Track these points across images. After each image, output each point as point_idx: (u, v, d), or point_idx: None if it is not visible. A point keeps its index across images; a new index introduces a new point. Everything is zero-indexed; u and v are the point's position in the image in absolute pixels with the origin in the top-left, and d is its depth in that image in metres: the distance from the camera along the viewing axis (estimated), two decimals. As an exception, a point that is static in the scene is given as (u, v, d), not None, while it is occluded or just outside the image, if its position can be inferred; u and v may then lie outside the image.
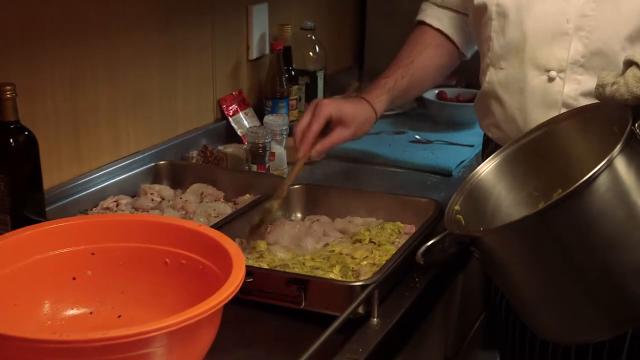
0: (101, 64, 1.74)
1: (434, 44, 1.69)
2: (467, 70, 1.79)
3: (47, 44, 1.59)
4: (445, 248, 1.42)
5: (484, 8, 1.50)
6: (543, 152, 1.31)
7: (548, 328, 1.21)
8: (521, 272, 1.18)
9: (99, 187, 1.73)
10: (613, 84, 1.17)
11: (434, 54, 1.70)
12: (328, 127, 1.57)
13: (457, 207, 1.28)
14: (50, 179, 1.61)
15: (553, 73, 1.43)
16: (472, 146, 2.13)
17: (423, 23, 1.71)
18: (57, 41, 1.61)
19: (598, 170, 1.07)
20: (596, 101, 1.25)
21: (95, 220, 1.28)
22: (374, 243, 1.52)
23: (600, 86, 1.19)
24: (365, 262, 1.43)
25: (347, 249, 1.49)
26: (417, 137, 2.24)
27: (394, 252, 1.42)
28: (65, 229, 1.19)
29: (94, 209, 1.68)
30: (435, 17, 1.70)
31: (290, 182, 1.58)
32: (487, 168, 1.33)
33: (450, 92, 2.48)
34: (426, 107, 2.42)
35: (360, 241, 1.53)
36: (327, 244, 1.53)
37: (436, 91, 2.46)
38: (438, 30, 1.69)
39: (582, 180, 1.06)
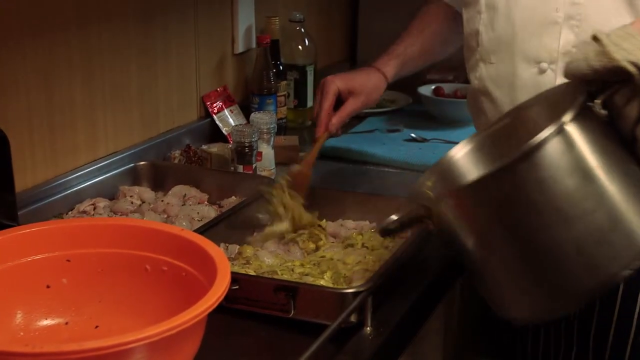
0: (77, 57, 1.73)
1: (443, 17, 1.78)
2: (464, 65, 1.79)
3: (19, 34, 1.58)
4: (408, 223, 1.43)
5: (473, 1, 1.53)
6: (514, 137, 1.33)
7: (506, 305, 1.23)
8: (478, 242, 1.20)
9: (75, 189, 1.72)
10: (576, 60, 1.20)
11: (443, 25, 1.79)
12: (341, 102, 1.68)
13: (428, 184, 1.32)
14: (22, 181, 1.61)
15: (544, 65, 1.45)
16: (470, 144, 2.13)
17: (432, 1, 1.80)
18: (29, 31, 1.60)
19: (546, 133, 1.11)
20: None
21: (70, 224, 1.27)
22: (367, 247, 1.52)
23: (567, 63, 1.22)
24: (357, 268, 1.43)
25: (339, 254, 1.49)
26: (413, 135, 2.24)
27: (388, 257, 1.42)
28: (39, 234, 1.18)
29: (69, 212, 1.67)
30: None
31: (312, 159, 1.68)
32: (459, 152, 1.37)
33: (447, 87, 2.48)
34: (422, 103, 2.43)
35: (352, 245, 1.53)
36: (316, 250, 1.53)
37: (432, 87, 2.47)
38: (447, 4, 1.77)
39: (531, 142, 1.10)
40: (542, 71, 1.45)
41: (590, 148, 1.14)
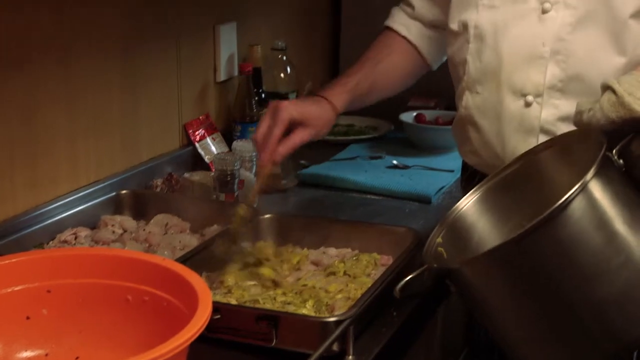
0: (58, 86, 1.73)
1: (400, 50, 1.74)
2: (446, 92, 1.81)
3: (0, 64, 1.58)
4: (424, 282, 1.43)
5: (461, 31, 1.53)
6: (525, 184, 1.33)
7: None
8: (501, 305, 1.19)
9: (55, 218, 1.71)
10: (589, 110, 1.20)
11: (399, 60, 1.74)
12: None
13: (439, 240, 1.29)
14: (2, 211, 1.60)
15: (530, 98, 1.45)
16: (452, 171, 2.14)
17: (391, 29, 1.76)
18: (10, 60, 1.60)
19: (572, 194, 1.09)
20: (574, 128, 1.28)
21: (51, 255, 1.26)
22: (349, 275, 1.52)
23: (579, 113, 1.23)
24: (339, 296, 1.43)
25: (321, 282, 1.49)
26: (395, 162, 2.25)
27: (370, 285, 1.42)
28: (19, 265, 1.17)
29: (50, 242, 1.66)
30: (404, 24, 1.74)
31: (258, 190, 1.60)
32: (468, 202, 1.35)
33: (429, 114, 2.49)
34: (404, 130, 2.43)
35: (334, 274, 1.53)
36: (299, 278, 1.53)
37: (414, 114, 2.48)
38: (405, 38, 1.74)
39: (556, 204, 1.09)
40: (527, 104, 1.46)
41: (612, 202, 1.13)
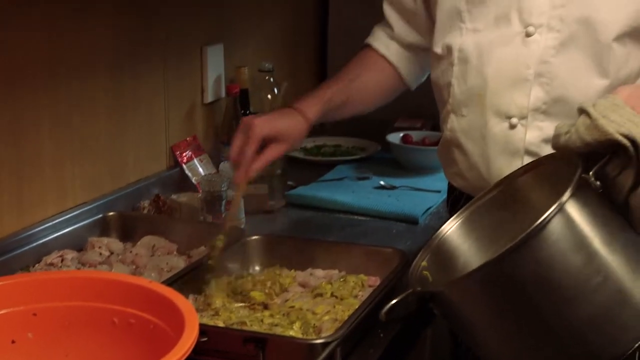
0: (45, 108, 1.73)
1: (378, 68, 1.74)
2: (432, 113, 1.81)
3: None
4: (409, 306, 1.43)
5: (445, 54, 1.54)
6: (506, 207, 1.34)
7: None
8: (484, 324, 1.19)
9: (42, 241, 1.70)
10: (567, 132, 1.21)
11: (376, 78, 1.74)
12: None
13: (424, 264, 1.29)
14: (-11, 233, 1.59)
15: (514, 120, 1.45)
16: (438, 192, 2.14)
17: (371, 47, 1.76)
18: (-3, 84, 1.61)
19: (548, 216, 1.10)
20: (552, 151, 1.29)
21: (37, 278, 1.26)
22: (336, 297, 1.52)
23: (556, 136, 1.24)
24: (327, 318, 1.42)
25: (308, 303, 1.49)
26: (382, 182, 2.25)
27: (357, 307, 1.42)
28: (4, 289, 1.17)
29: (36, 265, 1.66)
30: (384, 43, 1.74)
31: (235, 212, 1.60)
32: (451, 227, 1.35)
33: (415, 135, 2.50)
34: (391, 151, 2.44)
35: (321, 295, 1.53)
36: (287, 300, 1.52)
37: (401, 134, 2.49)
38: (384, 56, 1.74)
39: (533, 226, 1.10)
40: (512, 126, 1.46)
41: (589, 222, 1.14)
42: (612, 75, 1.40)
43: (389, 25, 1.74)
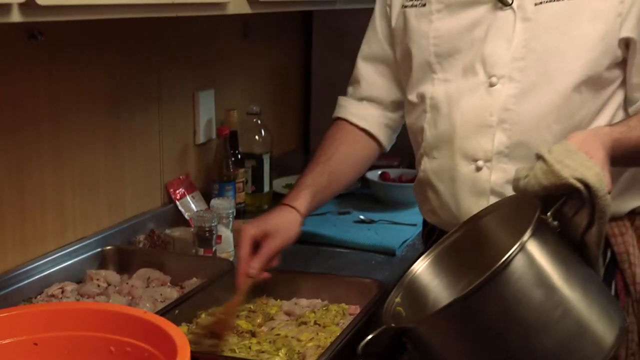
0: (47, 148, 1.72)
1: (352, 140, 1.67)
2: (408, 152, 1.82)
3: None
4: (383, 342, 1.41)
5: (419, 102, 1.54)
6: (472, 246, 1.34)
7: None
8: (455, 359, 1.18)
9: (43, 274, 1.69)
10: (525, 176, 1.22)
11: (352, 149, 1.67)
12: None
13: (397, 300, 1.29)
14: (-7, 267, 1.58)
15: (480, 163, 1.46)
16: (414, 225, 2.14)
17: (342, 119, 1.69)
18: (1, 124, 1.60)
19: (511, 255, 1.10)
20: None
21: (38, 309, 1.25)
22: (319, 325, 1.52)
23: (516, 180, 1.24)
24: (310, 344, 1.42)
25: (293, 331, 1.48)
26: (362, 217, 2.26)
27: (339, 334, 1.42)
28: (7, 320, 1.16)
29: (38, 296, 1.64)
30: (356, 115, 1.68)
31: (235, 307, 1.49)
32: (422, 265, 1.35)
33: (393, 172, 2.51)
34: (370, 187, 2.44)
35: (305, 323, 1.53)
36: (273, 328, 1.52)
37: (379, 172, 2.49)
38: (357, 126, 1.67)
39: (497, 265, 1.10)
40: (478, 168, 1.46)
41: (549, 260, 1.15)
42: (568, 121, 1.41)
43: (360, 85, 1.68)
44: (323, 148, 1.65)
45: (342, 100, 1.72)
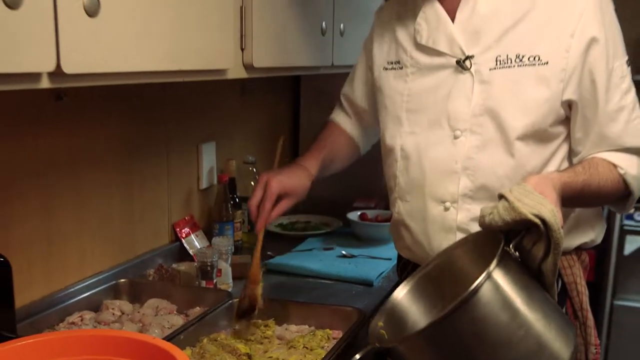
0: (69, 195, 1.73)
1: (344, 138, 1.82)
2: (384, 194, 1.84)
3: (21, 178, 1.59)
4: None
5: (391, 149, 1.56)
6: (445, 275, 1.35)
7: None
8: None
9: (65, 304, 1.69)
10: (490, 214, 1.23)
11: (344, 144, 1.81)
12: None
13: (380, 324, 1.29)
14: (21, 298, 1.57)
15: (448, 204, 1.47)
16: (389, 259, 2.15)
17: (334, 122, 1.84)
18: (29, 176, 1.61)
19: (479, 283, 1.11)
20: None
21: (60, 336, 1.23)
22: (307, 348, 1.51)
23: (482, 217, 1.25)
24: (299, 366, 1.42)
25: (284, 354, 1.48)
26: (344, 252, 2.26)
27: (323, 356, 1.42)
28: (32, 345, 1.15)
29: (60, 324, 1.64)
30: (343, 121, 1.82)
31: (258, 259, 1.59)
32: (401, 293, 1.35)
33: (370, 213, 2.52)
34: (350, 226, 2.45)
35: (294, 347, 1.52)
36: (266, 350, 1.51)
37: (359, 213, 2.50)
38: (345, 130, 1.81)
39: (467, 292, 1.10)
40: (446, 209, 1.47)
41: (512, 286, 1.15)
42: (522, 168, 1.42)
43: (345, 111, 1.82)
44: (325, 137, 1.80)
45: (337, 108, 1.87)
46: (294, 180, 1.60)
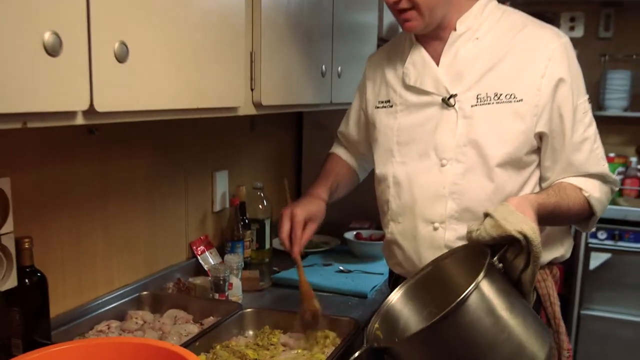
0: (98, 218, 1.73)
1: (344, 168, 1.82)
2: (377, 217, 1.83)
3: (56, 204, 1.59)
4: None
5: (384, 177, 1.57)
6: (434, 283, 1.35)
7: None
8: None
9: (95, 313, 1.68)
10: (477, 230, 1.24)
11: (344, 173, 1.81)
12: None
13: (376, 326, 1.29)
14: (56, 308, 1.57)
15: (437, 224, 1.47)
16: (382, 274, 2.15)
17: (335, 154, 1.84)
18: (64, 202, 1.61)
19: (468, 292, 1.12)
20: (466, 242, 1.31)
21: (89, 343, 1.23)
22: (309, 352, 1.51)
23: (469, 232, 1.26)
24: (303, 369, 1.41)
25: (289, 359, 1.47)
26: (341, 268, 2.25)
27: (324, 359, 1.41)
28: (65, 352, 1.15)
29: (90, 331, 1.63)
30: (343, 153, 1.83)
31: (304, 278, 1.61)
32: (395, 297, 1.35)
33: (365, 233, 2.51)
34: (347, 245, 2.45)
35: (298, 352, 1.51)
36: (273, 356, 1.51)
37: (354, 232, 2.50)
38: (345, 161, 1.82)
39: (458, 300, 1.11)
40: (435, 229, 1.47)
41: (497, 295, 1.16)
42: (501, 192, 1.43)
43: (342, 145, 1.84)
44: (329, 167, 1.81)
45: (336, 143, 1.87)
46: (313, 206, 1.62)
